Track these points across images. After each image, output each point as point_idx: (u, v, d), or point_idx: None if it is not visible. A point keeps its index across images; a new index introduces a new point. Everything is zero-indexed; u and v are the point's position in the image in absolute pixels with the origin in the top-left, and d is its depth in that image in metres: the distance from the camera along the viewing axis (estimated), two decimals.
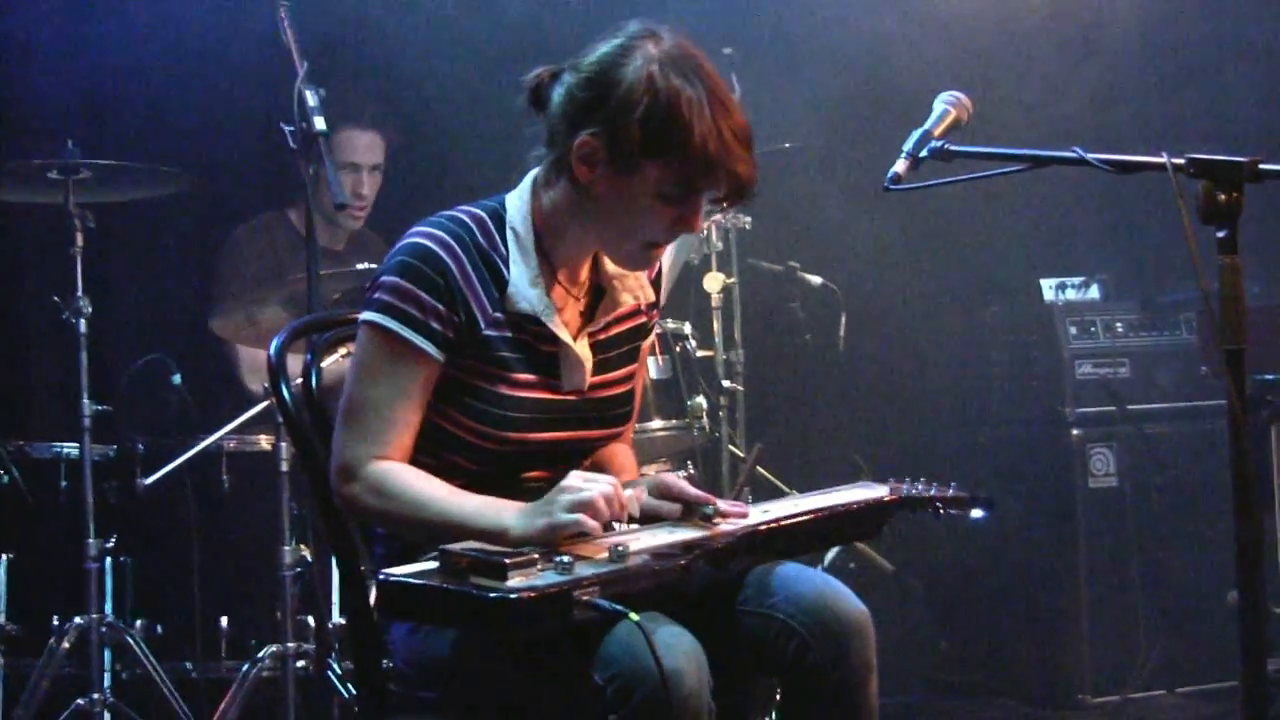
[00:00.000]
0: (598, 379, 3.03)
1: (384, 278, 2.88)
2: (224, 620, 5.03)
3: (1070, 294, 6.26)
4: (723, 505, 2.87)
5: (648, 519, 2.91)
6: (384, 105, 5.98)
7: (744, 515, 2.87)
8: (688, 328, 5.39)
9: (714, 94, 2.80)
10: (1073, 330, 6.05)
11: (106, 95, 5.87)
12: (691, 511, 2.90)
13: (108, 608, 4.93)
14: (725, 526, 2.83)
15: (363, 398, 2.89)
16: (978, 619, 6.26)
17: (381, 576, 2.57)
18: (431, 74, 6.27)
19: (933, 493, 3.02)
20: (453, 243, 2.89)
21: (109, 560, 4.96)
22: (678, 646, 2.60)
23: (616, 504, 2.75)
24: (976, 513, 3.07)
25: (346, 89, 5.59)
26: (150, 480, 4.94)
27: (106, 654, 4.87)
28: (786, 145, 6.09)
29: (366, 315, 2.89)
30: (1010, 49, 6.53)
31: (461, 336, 2.88)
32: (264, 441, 5.06)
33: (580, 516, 2.69)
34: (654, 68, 2.79)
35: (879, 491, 3.06)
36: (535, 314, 2.92)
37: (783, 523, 2.88)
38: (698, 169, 2.79)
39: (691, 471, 5.34)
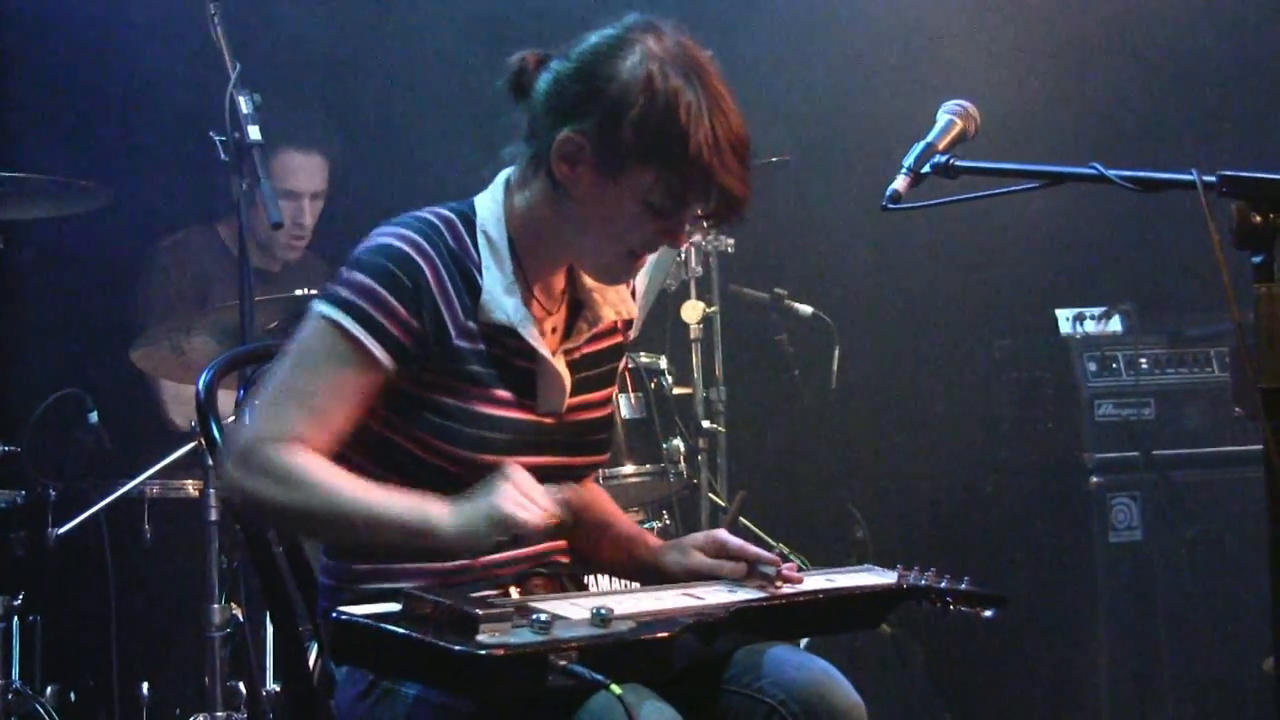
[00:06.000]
0: (575, 400, 3.04)
1: (349, 272, 2.87)
2: (145, 687, 5.00)
3: (1089, 326, 6.26)
4: (784, 569, 2.96)
5: (704, 578, 2.98)
6: (326, 121, 5.96)
7: (800, 581, 2.96)
8: (663, 362, 5.39)
9: (716, 100, 2.83)
10: (1092, 366, 6.06)
11: (14, 101, 5.86)
12: (753, 571, 2.99)
13: (14, 672, 4.90)
14: (784, 589, 2.92)
15: (288, 383, 2.86)
16: (985, 688, 6.26)
17: (335, 615, 2.55)
18: (380, 78, 6.28)
19: (943, 585, 3.05)
20: (425, 244, 2.89)
21: (15, 620, 4.93)
22: None
23: (531, 500, 2.76)
24: (987, 612, 3.10)
25: (285, 105, 5.58)
26: (63, 530, 4.92)
27: None
28: (773, 159, 6.07)
29: (320, 306, 2.87)
30: (1019, 53, 6.56)
31: (424, 346, 2.87)
32: (191, 487, 5.05)
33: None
34: (654, 66, 2.81)
35: (885, 578, 3.10)
36: (511, 325, 2.92)
37: (779, 601, 2.90)
38: (690, 180, 2.82)
39: (667, 522, 5.34)
